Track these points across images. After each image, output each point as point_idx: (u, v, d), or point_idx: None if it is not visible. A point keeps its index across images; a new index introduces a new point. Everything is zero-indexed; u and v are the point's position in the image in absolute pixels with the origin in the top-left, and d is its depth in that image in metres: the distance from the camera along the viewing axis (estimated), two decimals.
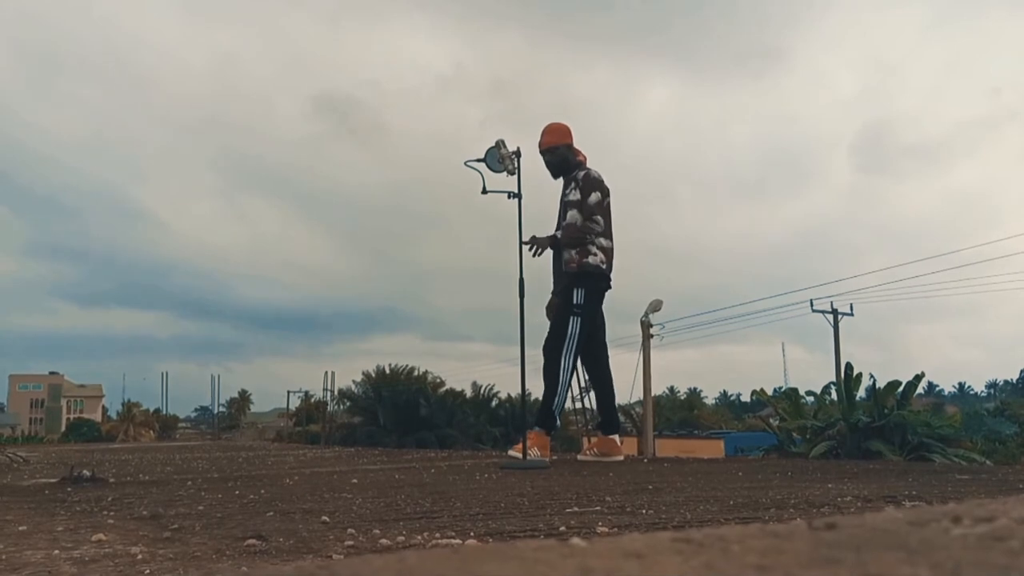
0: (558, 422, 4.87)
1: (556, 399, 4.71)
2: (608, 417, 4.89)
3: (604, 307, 4.95)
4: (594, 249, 4.75)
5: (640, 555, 0.50)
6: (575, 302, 4.71)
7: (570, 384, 4.77)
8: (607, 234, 4.82)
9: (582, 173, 4.87)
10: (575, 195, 4.82)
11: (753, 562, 0.49)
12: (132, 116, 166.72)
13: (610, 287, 4.89)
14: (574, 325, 4.70)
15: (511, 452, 4.79)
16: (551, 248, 4.84)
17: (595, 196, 4.80)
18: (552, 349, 4.74)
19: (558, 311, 4.79)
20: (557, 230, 4.91)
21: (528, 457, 4.40)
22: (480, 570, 0.47)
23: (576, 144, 5.06)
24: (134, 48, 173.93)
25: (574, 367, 4.76)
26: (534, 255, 4.76)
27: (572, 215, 4.80)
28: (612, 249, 4.83)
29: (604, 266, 4.76)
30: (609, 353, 5.03)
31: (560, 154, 4.98)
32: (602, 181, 4.84)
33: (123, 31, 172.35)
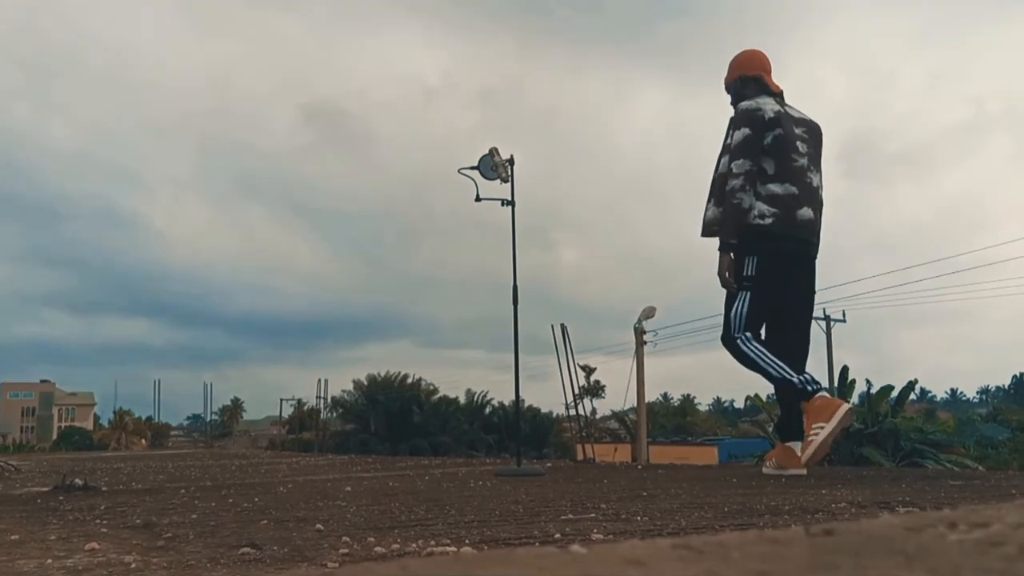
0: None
1: (774, 379, 3.74)
2: (784, 417, 3.91)
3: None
4: (752, 203, 3.75)
5: (641, 562, 0.50)
6: (744, 274, 3.79)
7: (763, 358, 3.73)
8: (781, 176, 3.77)
9: (738, 107, 3.92)
10: (729, 138, 3.89)
11: (754, 568, 0.49)
12: (125, 125, 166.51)
13: (803, 242, 3.84)
14: (740, 303, 3.82)
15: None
16: (729, 250, 3.81)
17: (739, 134, 3.80)
18: (723, 338, 3.89)
19: (728, 293, 3.87)
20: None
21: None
22: None
23: (753, 75, 4.02)
24: (129, 57, 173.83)
25: (758, 347, 3.78)
26: (729, 284, 3.83)
27: (723, 163, 3.89)
28: (794, 194, 3.76)
29: (770, 220, 3.72)
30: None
31: (734, 90, 4.08)
32: (753, 111, 3.81)
33: (118, 41, 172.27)
